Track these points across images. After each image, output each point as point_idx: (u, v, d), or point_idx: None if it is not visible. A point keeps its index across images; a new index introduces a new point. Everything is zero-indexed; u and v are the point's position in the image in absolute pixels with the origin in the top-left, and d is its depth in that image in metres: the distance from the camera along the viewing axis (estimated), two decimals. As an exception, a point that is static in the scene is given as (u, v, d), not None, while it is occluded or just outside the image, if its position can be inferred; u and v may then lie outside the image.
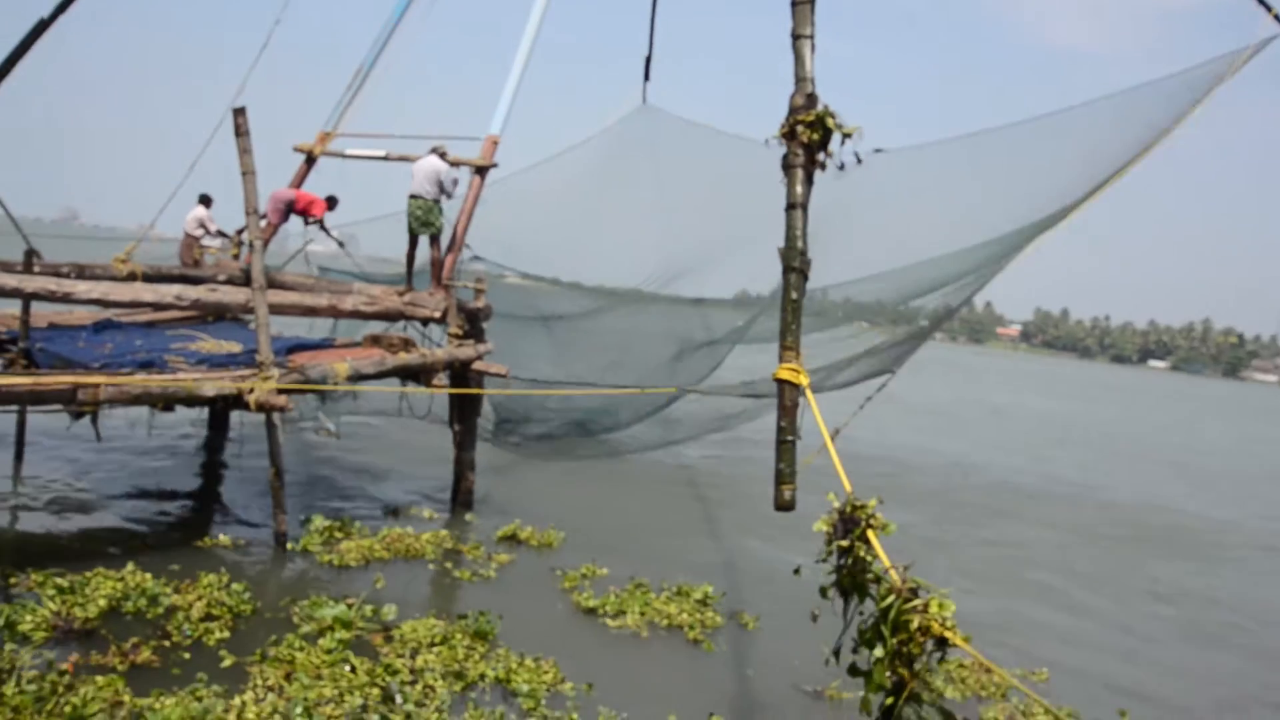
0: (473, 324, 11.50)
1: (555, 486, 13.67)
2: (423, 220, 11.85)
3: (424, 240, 12.07)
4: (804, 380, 5.42)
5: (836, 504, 4.52)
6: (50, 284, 8.83)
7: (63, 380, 7.66)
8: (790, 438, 5.42)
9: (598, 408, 15.75)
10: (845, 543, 4.34)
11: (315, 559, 8.85)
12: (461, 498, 11.48)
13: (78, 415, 9.00)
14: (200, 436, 13.56)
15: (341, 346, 11.21)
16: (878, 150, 13.45)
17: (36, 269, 10.88)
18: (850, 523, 4.43)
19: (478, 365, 11.22)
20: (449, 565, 9.24)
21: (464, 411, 11.49)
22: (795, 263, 5.84)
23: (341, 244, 14.26)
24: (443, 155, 11.99)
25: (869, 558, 4.26)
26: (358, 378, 9.98)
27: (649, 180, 16.31)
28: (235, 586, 7.42)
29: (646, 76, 16.84)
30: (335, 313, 11.24)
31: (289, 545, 8.98)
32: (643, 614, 8.44)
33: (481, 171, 12.07)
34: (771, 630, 8.60)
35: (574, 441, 15.74)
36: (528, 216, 16.38)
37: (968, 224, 11.66)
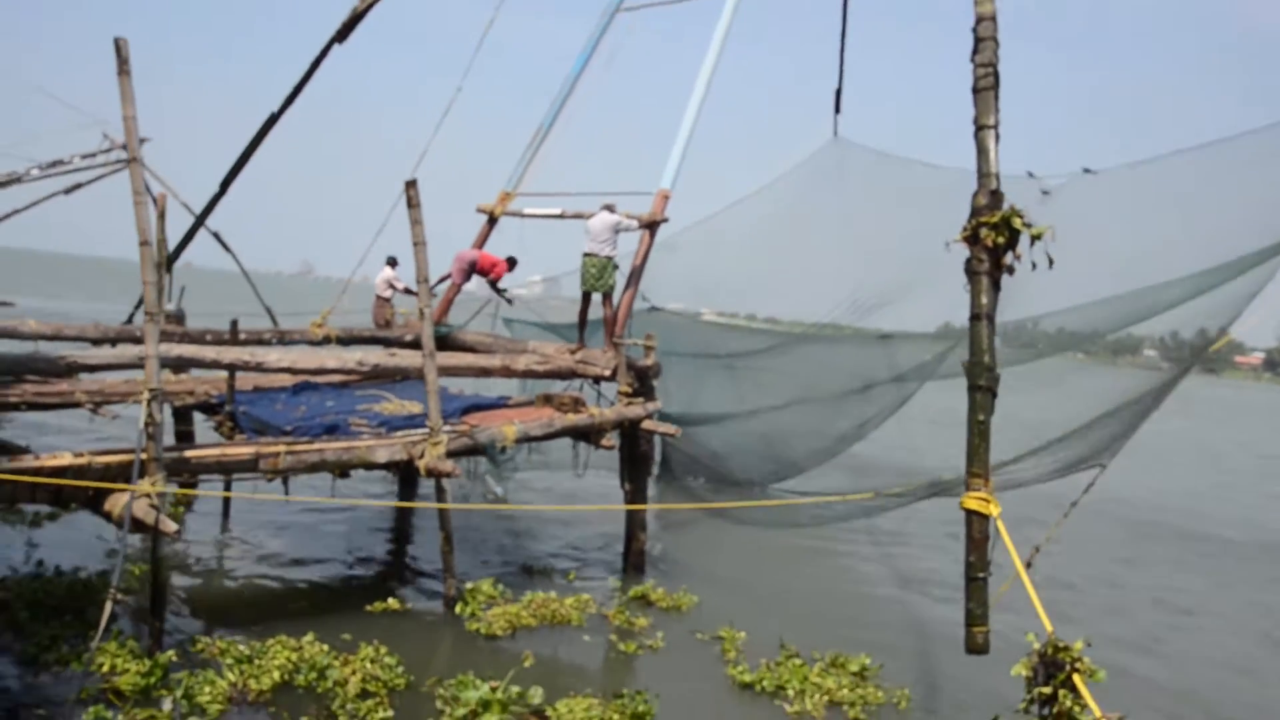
0: (642, 382, 11.34)
1: (726, 546, 13.24)
2: (596, 278, 11.87)
3: (597, 297, 12.08)
4: (995, 510, 4.88)
5: (1036, 645, 3.98)
6: (245, 354, 9.40)
7: (245, 451, 8.04)
8: (981, 574, 4.87)
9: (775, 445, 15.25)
10: (1048, 689, 3.77)
11: (465, 627, 8.82)
12: (633, 559, 11.28)
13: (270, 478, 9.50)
14: (393, 493, 14.08)
15: (516, 405, 11.33)
16: (1086, 171, 12.47)
17: (242, 335, 11.76)
18: (1053, 667, 3.87)
19: (647, 424, 11.04)
20: (600, 633, 9.05)
21: (634, 470, 11.32)
22: (982, 380, 5.27)
23: (510, 302, 14.53)
24: (612, 210, 11.99)
25: (1076, 707, 3.68)
26: (526, 439, 10.01)
27: (843, 214, 15.95)
28: (388, 660, 7.46)
29: (837, 109, 16.50)
30: (509, 373, 11.38)
31: (457, 608, 9.03)
32: (802, 689, 7.94)
33: (651, 227, 11.98)
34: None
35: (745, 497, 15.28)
36: (721, 257, 16.37)
37: (1196, 246, 10.54)
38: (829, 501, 12.09)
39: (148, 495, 6.86)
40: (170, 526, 6.98)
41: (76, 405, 9.72)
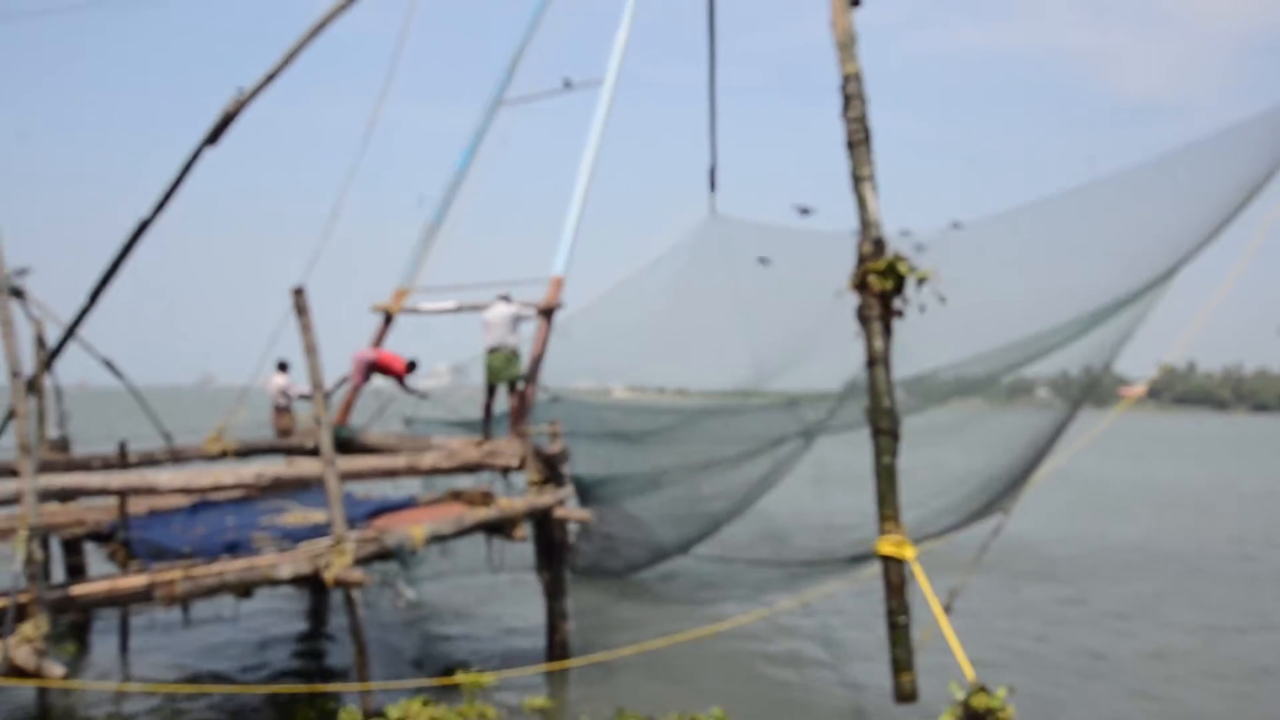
0: (551, 469, 11.28)
1: (646, 626, 13.03)
2: (503, 369, 11.82)
3: (502, 388, 12.05)
4: (909, 554, 4.96)
5: (960, 694, 4.04)
6: (135, 479, 9.07)
7: (138, 581, 7.69)
8: (901, 619, 4.92)
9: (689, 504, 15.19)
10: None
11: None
12: (556, 650, 11.06)
13: (166, 606, 9.09)
14: (304, 603, 13.59)
15: (425, 505, 11.13)
16: (955, 225, 13.04)
17: (133, 457, 11.33)
18: (978, 717, 3.93)
19: (559, 512, 10.96)
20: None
21: (551, 559, 11.18)
22: (884, 423, 5.40)
23: (425, 397, 14.39)
24: (508, 301, 12.05)
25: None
26: (437, 539, 9.82)
27: (731, 285, 16.32)
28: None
29: (712, 187, 17.03)
30: (414, 471, 11.20)
31: (377, 723, 8.67)
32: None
33: (547, 313, 12.07)
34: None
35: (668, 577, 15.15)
36: (615, 336, 16.51)
37: (1072, 289, 11.08)
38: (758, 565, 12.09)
39: (29, 640, 6.48)
40: (56, 671, 6.60)
41: (-49, 548, 9.19)
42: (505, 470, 11.55)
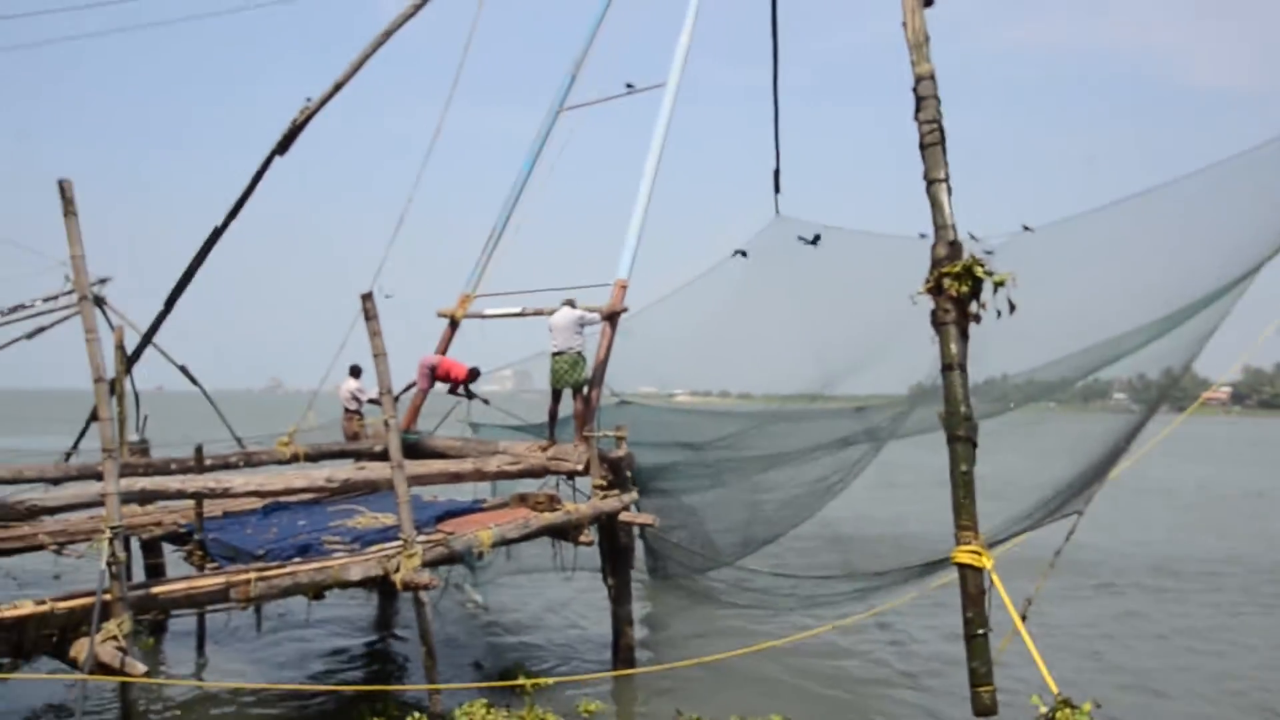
0: (616, 474, 11.26)
1: (715, 636, 12.93)
2: (568, 374, 11.82)
3: (567, 392, 12.06)
4: (988, 563, 4.84)
5: (1043, 708, 3.91)
6: (210, 482, 9.23)
7: (215, 581, 7.85)
8: (980, 630, 4.80)
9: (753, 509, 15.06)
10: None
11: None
12: (621, 656, 11.03)
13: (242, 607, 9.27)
14: (374, 605, 13.77)
15: (491, 508, 11.19)
16: (1025, 228, 12.75)
17: (208, 460, 11.60)
18: None
19: (624, 516, 10.94)
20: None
21: (616, 564, 11.16)
22: (960, 429, 5.28)
23: (486, 402, 14.46)
24: (573, 305, 12.07)
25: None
26: (503, 542, 9.88)
27: (796, 287, 16.17)
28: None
29: (777, 189, 16.87)
30: (480, 476, 11.28)
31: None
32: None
33: (612, 318, 12.05)
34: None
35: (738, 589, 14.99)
36: (677, 339, 16.46)
37: (1149, 292, 10.75)
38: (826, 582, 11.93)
39: (113, 637, 6.66)
40: (139, 668, 6.76)
41: (40, 548, 9.51)
42: (570, 475, 11.57)
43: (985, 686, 4.53)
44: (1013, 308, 5.47)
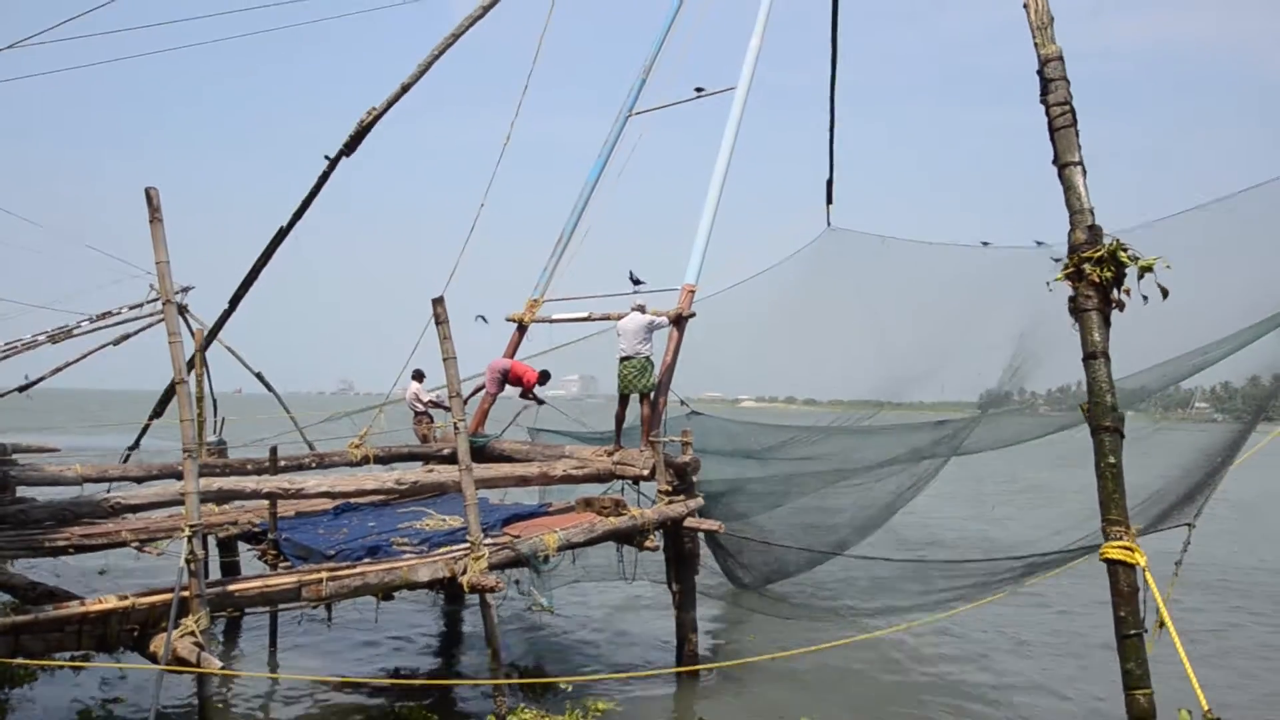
0: (682, 479, 11.19)
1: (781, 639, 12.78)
2: (637, 379, 11.78)
3: (634, 397, 12.03)
4: (1141, 560, 4.64)
5: None
6: (284, 483, 9.42)
7: (288, 580, 8.00)
8: (1134, 631, 4.60)
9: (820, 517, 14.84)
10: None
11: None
12: (686, 660, 10.97)
13: (314, 605, 9.44)
14: (441, 607, 13.92)
15: (556, 512, 11.23)
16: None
17: (282, 461, 11.84)
18: None
19: (690, 522, 10.87)
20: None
21: (680, 571, 11.10)
22: (1106, 420, 5.10)
23: (541, 402, 14.45)
24: (642, 310, 12.04)
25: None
26: (568, 547, 9.89)
27: (850, 296, 16.01)
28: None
29: (829, 200, 16.71)
30: (546, 480, 11.32)
31: (509, 729, 8.77)
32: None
33: (679, 323, 12.00)
34: None
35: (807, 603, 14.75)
36: (728, 341, 16.31)
37: (1222, 298, 10.36)
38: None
39: (191, 633, 6.82)
40: (215, 664, 6.91)
41: (123, 544, 9.82)
42: (636, 480, 11.54)
43: (1142, 690, 4.31)
44: (1165, 293, 5.24)
